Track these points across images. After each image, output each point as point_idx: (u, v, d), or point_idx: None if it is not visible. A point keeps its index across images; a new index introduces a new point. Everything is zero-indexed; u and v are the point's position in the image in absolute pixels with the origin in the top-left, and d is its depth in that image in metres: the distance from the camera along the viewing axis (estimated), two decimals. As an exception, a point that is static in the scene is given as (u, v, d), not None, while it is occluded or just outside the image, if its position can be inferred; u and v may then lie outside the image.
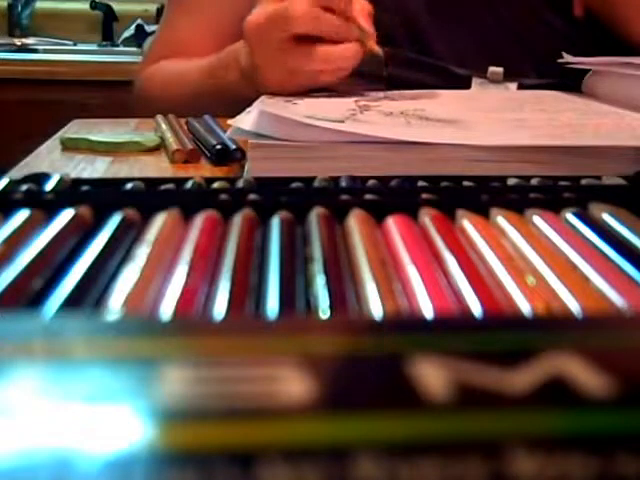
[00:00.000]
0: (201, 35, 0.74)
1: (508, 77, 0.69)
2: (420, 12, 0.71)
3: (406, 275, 0.21)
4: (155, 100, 0.72)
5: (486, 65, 0.69)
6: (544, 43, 0.72)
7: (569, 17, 0.70)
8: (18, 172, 0.42)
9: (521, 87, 0.68)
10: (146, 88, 0.76)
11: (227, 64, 0.64)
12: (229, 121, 0.43)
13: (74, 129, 0.57)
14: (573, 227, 0.24)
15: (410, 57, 0.70)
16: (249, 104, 0.47)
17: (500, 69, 0.69)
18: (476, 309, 0.19)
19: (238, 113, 0.44)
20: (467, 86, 0.69)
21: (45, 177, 0.30)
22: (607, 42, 0.69)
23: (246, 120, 0.42)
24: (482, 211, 0.26)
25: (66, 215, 0.25)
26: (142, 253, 0.22)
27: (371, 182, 0.30)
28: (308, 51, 0.56)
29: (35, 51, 1.78)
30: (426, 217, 0.25)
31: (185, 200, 0.26)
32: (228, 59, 0.64)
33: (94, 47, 1.85)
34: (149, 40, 0.85)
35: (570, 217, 0.25)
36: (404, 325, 0.16)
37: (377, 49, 0.57)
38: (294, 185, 0.29)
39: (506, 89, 0.68)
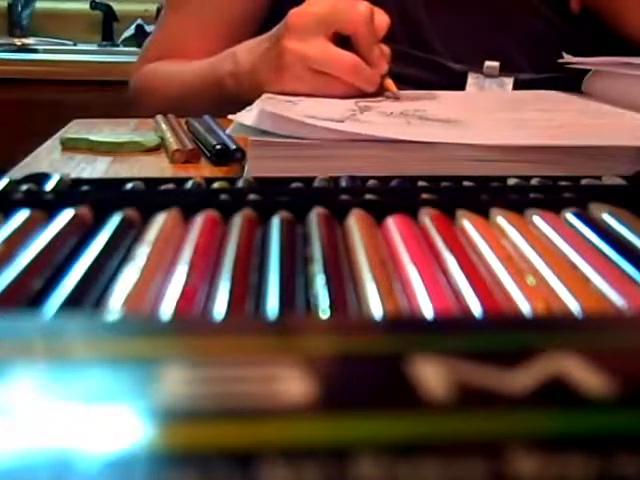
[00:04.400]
0: (196, 37, 0.75)
1: (504, 72, 0.69)
2: (417, 8, 0.71)
3: (406, 275, 0.21)
4: (148, 100, 0.73)
5: (482, 60, 0.69)
6: (541, 38, 0.72)
7: (566, 13, 0.71)
8: (18, 172, 0.42)
9: (517, 82, 0.68)
10: (140, 88, 0.76)
11: (222, 60, 0.64)
12: (230, 116, 0.43)
13: (74, 129, 0.57)
14: (573, 227, 0.24)
15: (406, 52, 0.70)
16: (237, 106, 0.47)
17: (496, 64, 0.69)
18: (476, 309, 0.19)
19: (227, 114, 0.44)
20: (463, 81, 0.69)
21: (45, 177, 0.30)
22: (604, 38, 0.69)
23: (247, 117, 0.42)
24: (482, 211, 0.26)
25: (66, 215, 0.25)
26: (142, 253, 0.22)
27: (371, 182, 0.30)
28: (341, 53, 0.56)
29: (35, 51, 1.77)
30: (426, 217, 0.25)
31: (185, 200, 0.26)
32: (224, 56, 0.64)
33: (94, 47, 1.85)
34: (147, 40, 0.85)
35: (570, 217, 0.25)
36: (404, 325, 0.16)
37: (395, 90, 0.57)
38: (294, 185, 0.29)
39: (502, 84, 0.68)
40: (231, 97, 0.59)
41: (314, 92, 0.55)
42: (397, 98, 0.56)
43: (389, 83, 0.58)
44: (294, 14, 0.57)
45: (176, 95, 0.69)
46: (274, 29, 0.59)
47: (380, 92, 0.58)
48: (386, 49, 0.59)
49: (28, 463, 0.10)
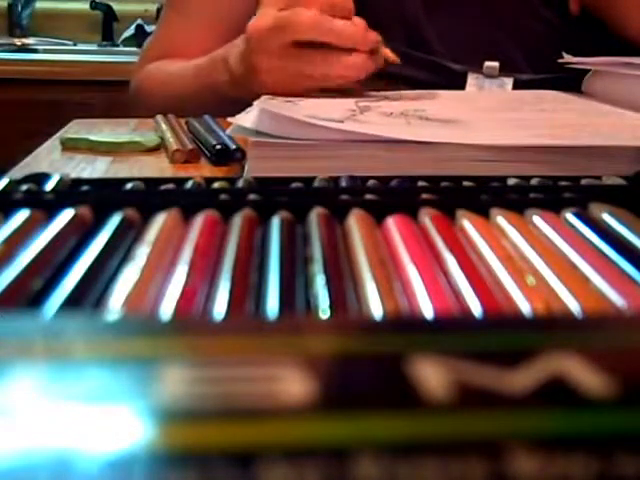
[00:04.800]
0: (197, 36, 0.75)
1: (504, 72, 0.69)
2: (416, 8, 0.71)
3: (406, 275, 0.21)
4: (149, 100, 0.73)
5: (482, 60, 0.69)
6: (540, 39, 0.72)
7: (565, 13, 0.71)
8: (18, 172, 0.42)
9: (517, 82, 0.68)
10: (141, 88, 0.76)
11: (215, 67, 0.64)
12: (229, 119, 0.43)
13: (74, 129, 0.57)
14: (573, 227, 0.24)
15: (406, 53, 0.70)
16: (238, 105, 0.47)
17: (496, 64, 0.69)
18: (476, 309, 0.19)
19: (230, 113, 0.44)
20: (463, 81, 0.69)
21: (45, 177, 0.30)
22: (603, 39, 0.69)
23: (247, 118, 0.42)
24: (482, 211, 0.26)
25: (66, 215, 0.25)
26: (142, 253, 0.22)
27: (371, 182, 0.30)
28: (309, 57, 0.56)
29: (35, 51, 1.78)
30: (426, 217, 0.25)
31: (185, 200, 0.26)
32: (216, 62, 0.64)
33: (94, 47, 1.85)
34: (148, 40, 0.85)
35: (570, 217, 0.25)
36: (404, 325, 0.16)
37: (393, 56, 0.57)
38: (294, 185, 0.29)
39: (502, 84, 0.68)
40: (232, 99, 0.59)
41: (309, 92, 0.55)
42: (398, 97, 0.56)
43: (386, 51, 0.58)
44: (248, 29, 0.57)
45: (177, 96, 0.69)
46: (239, 39, 0.59)
47: (356, 43, 0.57)
48: (361, 22, 0.58)
49: (28, 463, 0.10)
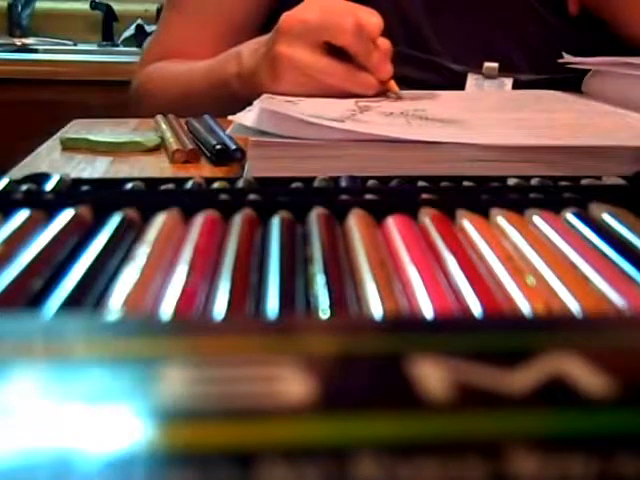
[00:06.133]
0: (198, 37, 0.75)
1: (503, 73, 0.69)
2: (417, 9, 0.71)
3: (406, 275, 0.21)
4: (151, 100, 0.73)
5: (481, 61, 0.69)
6: (539, 40, 0.72)
7: (564, 14, 0.71)
8: (18, 172, 0.42)
9: (516, 83, 0.68)
10: (143, 88, 0.76)
11: (225, 60, 0.64)
12: (230, 117, 0.43)
13: (74, 129, 0.57)
14: (573, 227, 0.24)
15: (406, 53, 0.70)
16: (242, 104, 0.47)
17: (495, 64, 0.69)
18: (476, 309, 0.19)
19: (233, 113, 0.44)
20: (462, 82, 0.69)
21: (45, 177, 0.30)
22: (603, 39, 0.69)
23: (247, 117, 0.42)
24: (482, 211, 0.26)
25: (66, 215, 0.25)
26: (142, 253, 0.22)
27: (371, 182, 0.30)
28: (333, 66, 0.56)
29: (35, 51, 1.77)
30: (426, 217, 0.25)
31: (185, 200, 0.26)
32: (229, 56, 0.64)
33: (94, 47, 1.85)
34: (149, 40, 0.85)
35: (570, 217, 0.25)
36: (404, 325, 0.16)
37: (398, 91, 0.58)
38: (294, 185, 0.29)
39: (501, 84, 0.68)
40: (237, 97, 0.59)
41: (312, 95, 0.55)
42: (399, 98, 0.57)
43: (392, 84, 0.58)
44: (285, 19, 0.57)
45: (180, 95, 0.69)
46: (272, 31, 0.59)
47: (382, 93, 0.58)
48: (386, 46, 0.59)
49: (28, 463, 0.10)
